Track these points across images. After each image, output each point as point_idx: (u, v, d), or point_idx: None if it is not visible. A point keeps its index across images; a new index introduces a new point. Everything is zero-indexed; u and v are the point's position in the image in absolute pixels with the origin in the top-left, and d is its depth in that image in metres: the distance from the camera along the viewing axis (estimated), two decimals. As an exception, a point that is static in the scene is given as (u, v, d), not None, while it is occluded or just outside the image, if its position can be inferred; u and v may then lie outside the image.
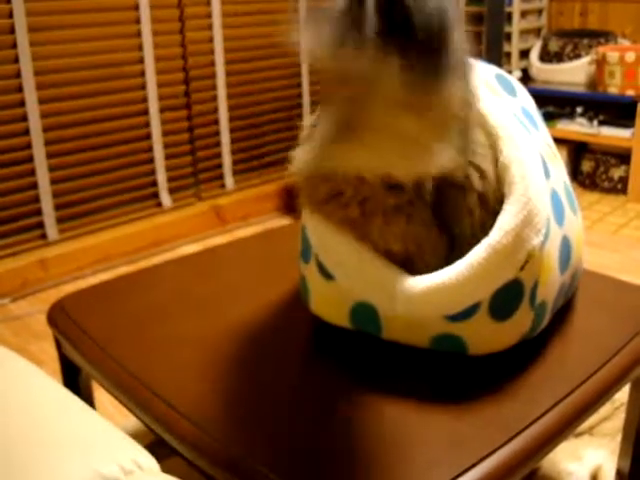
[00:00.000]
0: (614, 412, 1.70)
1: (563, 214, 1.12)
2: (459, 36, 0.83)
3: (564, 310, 1.25)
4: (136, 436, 0.96)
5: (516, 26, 3.77)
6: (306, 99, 3.26)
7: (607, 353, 1.12)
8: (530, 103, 1.29)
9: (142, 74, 2.74)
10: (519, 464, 0.90)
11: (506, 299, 1.03)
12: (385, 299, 1.04)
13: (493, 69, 1.26)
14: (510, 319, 1.04)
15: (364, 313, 1.09)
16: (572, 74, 3.62)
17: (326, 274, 1.09)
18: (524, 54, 3.88)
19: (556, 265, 1.08)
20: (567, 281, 1.16)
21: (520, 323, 1.06)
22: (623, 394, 1.32)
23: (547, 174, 1.11)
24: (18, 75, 2.40)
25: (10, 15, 2.34)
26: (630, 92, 3.29)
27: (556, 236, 1.08)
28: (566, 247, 1.12)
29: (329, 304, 1.12)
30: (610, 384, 1.08)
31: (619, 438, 1.41)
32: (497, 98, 1.15)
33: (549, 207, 1.06)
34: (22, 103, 2.42)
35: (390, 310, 1.05)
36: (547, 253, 1.04)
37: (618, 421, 1.65)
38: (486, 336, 1.07)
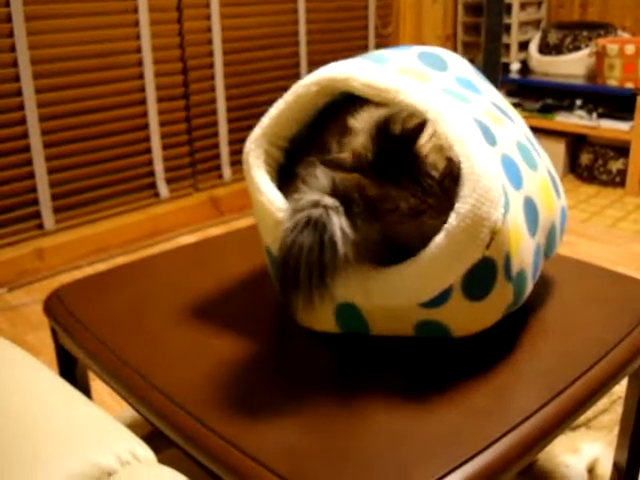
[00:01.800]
0: (611, 405, 1.70)
1: (520, 176, 1.09)
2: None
3: (561, 303, 1.25)
4: (133, 427, 0.95)
5: (515, 18, 3.76)
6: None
7: (605, 346, 1.12)
8: (467, 70, 1.27)
9: (140, 64, 2.73)
10: (516, 458, 0.90)
11: (479, 279, 1.02)
12: (361, 293, 1.04)
13: (415, 49, 1.24)
14: (488, 297, 1.04)
15: (348, 312, 1.09)
16: (571, 66, 3.61)
17: None
18: (523, 46, 3.87)
19: (525, 231, 1.07)
20: (542, 241, 1.15)
21: (500, 298, 1.06)
22: (621, 387, 1.32)
23: (492, 141, 1.08)
24: (15, 64, 2.38)
25: (7, 4, 2.33)
26: (629, 85, 3.28)
27: (517, 201, 1.06)
28: (531, 208, 1.10)
29: (315, 312, 1.12)
30: (608, 378, 1.08)
31: (616, 431, 1.41)
32: (418, 83, 1.11)
33: (502, 175, 1.04)
34: (19, 92, 2.41)
35: (368, 304, 1.06)
36: (512, 223, 1.02)
37: (615, 414, 1.65)
38: (467, 317, 1.07)
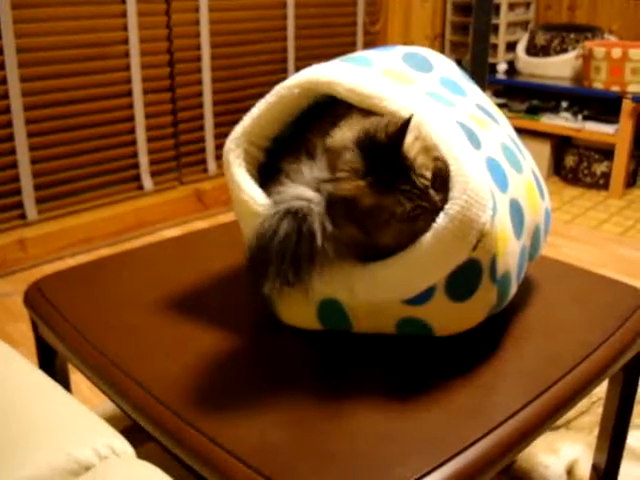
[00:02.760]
0: (591, 406, 1.71)
1: (505, 179, 1.09)
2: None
3: (544, 304, 1.25)
4: (112, 420, 0.95)
5: (504, 18, 3.77)
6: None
7: (586, 348, 1.12)
8: (452, 71, 1.27)
9: (126, 55, 2.71)
10: (497, 457, 0.90)
11: (463, 280, 1.02)
12: (345, 288, 1.04)
13: (400, 50, 1.24)
14: (472, 298, 1.04)
15: (331, 308, 1.09)
16: (558, 68, 3.62)
17: None
18: (511, 47, 3.88)
19: (511, 233, 1.07)
20: (527, 243, 1.15)
21: (484, 300, 1.06)
22: (601, 388, 1.33)
23: (477, 144, 1.08)
24: (0, 52, 2.36)
25: (-7, -9, 2.31)
26: (615, 88, 3.29)
27: (503, 204, 1.06)
28: (517, 211, 1.10)
29: (297, 308, 1.12)
30: (589, 380, 1.08)
31: (596, 432, 1.42)
32: (402, 87, 1.11)
33: (489, 178, 1.04)
34: (4, 81, 2.39)
35: (352, 299, 1.06)
36: (500, 225, 1.03)
37: (595, 415, 1.66)
38: (449, 317, 1.07)
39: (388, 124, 0.98)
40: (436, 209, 0.98)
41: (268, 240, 0.95)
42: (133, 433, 0.99)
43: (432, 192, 0.98)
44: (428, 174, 0.97)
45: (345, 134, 1.02)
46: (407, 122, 0.96)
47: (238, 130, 1.17)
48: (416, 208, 0.97)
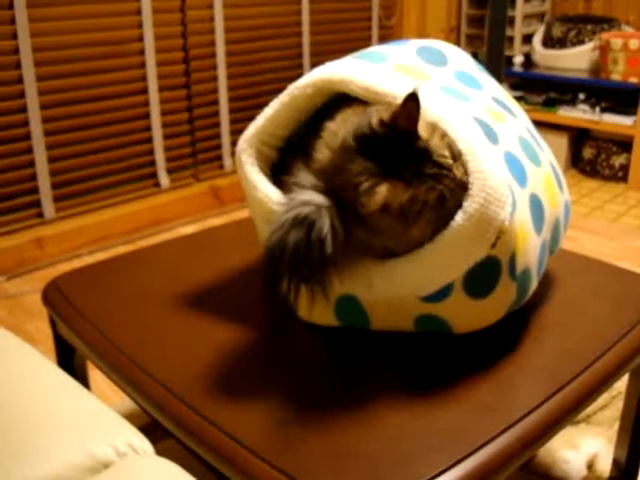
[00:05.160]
0: (611, 401, 1.69)
1: (524, 173, 1.08)
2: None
3: (563, 298, 1.24)
4: (131, 418, 0.95)
5: (520, 10, 3.74)
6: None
7: (607, 342, 1.11)
8: (467, 64, 1.25)
9: (142, 52, 2.71)
10: (517, 452, 0.90)
11: (482, 277, 1.01)
12: (363, 285, 1.03)
13: (414, 44, 1.22)
14: (491, 295, 1.04)
15: (348, 305, 1.08)
16: (575, 60, 3.60)
17: None
18: (527, 39, 3.85)
19: (531, 229, 1.06)
20: (547, 237, 1.14)
21: (503, 297, 1.05)
22: (622, 382, 1.32)
23: (495, 139, 1.06)
24: (16, 51, 2.37)
25: (9, -10, 2.32)
26: (633, 79, 3.27)
27: (523, 199, 1.05)
28: (537, 206, 1.09)
29: (315, 305, 1.11)
30: (609, 374, 1.07)
31: (616, 427, 1.41)
32: (414, 82, 1.09)
33: (507, 173, 1.03)
34: (20, 80, 2.40)
35: (369, 295, 1.05)
36: (519, 222, 1.02)
37: (615, 410, 1.65)
38: (468, 314, 1.06)
39: (379, 112, 0.96)
40: (461, 186, 0.96)
41: (279, 254, 0.95)
42: (152, 430, 0.99)
43: (456, 172, 0.96)
44: (447, 153, 0.96)
45: (328, 150, 1.00)
46: (414, 101, 0.93)
47: (251, 130, 1.17)
48: (443, 191, 0.95)
